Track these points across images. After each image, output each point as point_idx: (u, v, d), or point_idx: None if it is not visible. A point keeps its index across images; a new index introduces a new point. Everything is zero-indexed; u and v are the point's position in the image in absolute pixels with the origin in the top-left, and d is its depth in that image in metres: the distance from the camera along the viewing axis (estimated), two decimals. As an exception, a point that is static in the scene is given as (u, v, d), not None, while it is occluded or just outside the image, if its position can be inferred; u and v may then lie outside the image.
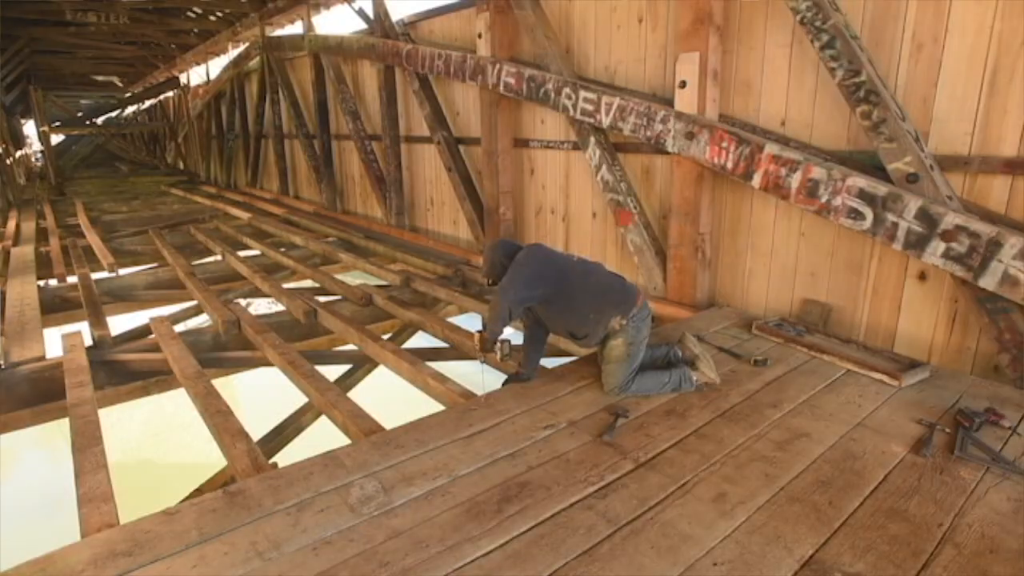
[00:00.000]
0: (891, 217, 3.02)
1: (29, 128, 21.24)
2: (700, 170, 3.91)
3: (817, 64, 3.40)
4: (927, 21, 3.02)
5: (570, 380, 3.01)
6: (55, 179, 14.76)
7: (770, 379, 3.00)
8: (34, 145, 20.76)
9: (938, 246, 2.89)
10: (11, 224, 8.74)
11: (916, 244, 2.97)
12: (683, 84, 3.88)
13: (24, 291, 5.07)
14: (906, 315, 3.31)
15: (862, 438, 2.44)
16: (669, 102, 4.05)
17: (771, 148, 3.47)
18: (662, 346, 3.05)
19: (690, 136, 3.83)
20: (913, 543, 1.84)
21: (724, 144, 3.67)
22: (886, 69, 3.16)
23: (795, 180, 3.37)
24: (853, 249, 3.47)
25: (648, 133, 4.08)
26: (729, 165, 3.67)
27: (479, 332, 2.94)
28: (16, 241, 7.62)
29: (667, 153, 4.09)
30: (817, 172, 3.27)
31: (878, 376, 2.95)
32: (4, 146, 13.02)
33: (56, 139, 18.05)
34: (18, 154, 16.64)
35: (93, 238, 7.54)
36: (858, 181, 3.12)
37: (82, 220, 9.04)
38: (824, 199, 3.26)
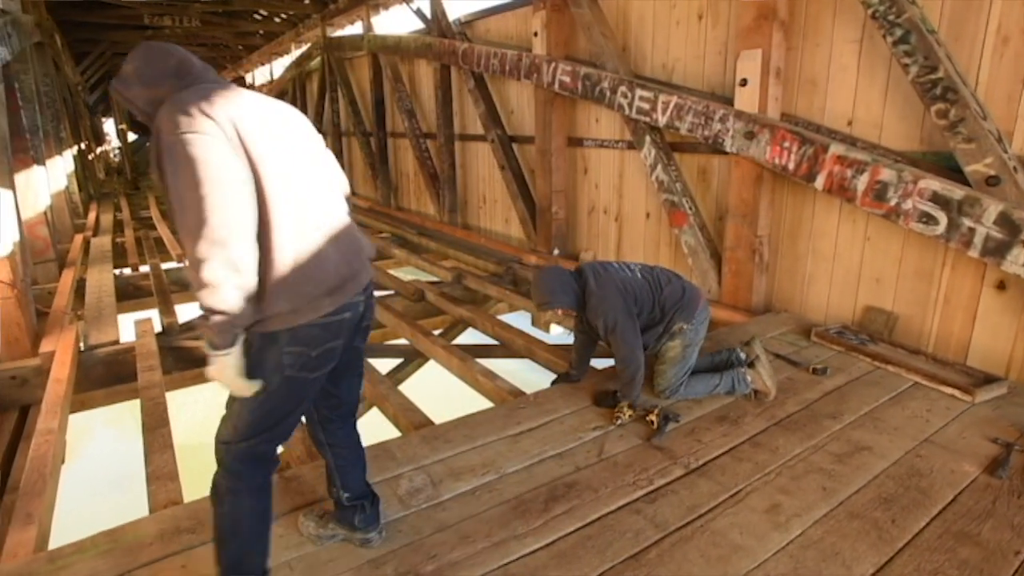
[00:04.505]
0: (967, 222, 2.85)
1: (108, 126, 22.54)
2: (759, 171, 3.79)
3: (889, 60, 3.25)
4: (1014, 13, 2.83)
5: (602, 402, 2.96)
6: (131, 174, 15.63)
7: (830, 388, 2.88)
8: (113, 142, 22.01)
9: (1020, 254, 2.71)
10: (91, 216, 9.30)
11: (995, 251, 2.79)
12: (744, 82, 3.77)
13: (102, 279, 5.40)
14: (982, 326, 3.11)
15: (930, 455, 2.32)
16: (728, 101, 3.95)
17: (836, 148, 3.33)
18: (722, 351, 2.97)
19: (750, 136, 3.72)
20: (986, 570, 1.74)
21: (786, 144, 3.55)
22: (966, 65, 2.98)
23: (862, 182, 3.23)
24: (923, 255, 3.29)
25: (706, 132, 3.98)
26: (791, 166, 3.54)
27: (623, 405, 2.61)
28: (96, 232, 8.11)
29: (725, 153, 3.98)
30: (886, 174, 3.12)
31: (949, 390, 2.79)
32: (87, 143, 13.87)
33: (132, 136, 19.08)
34: (99, 150, 17.71)
35: (164, 230, 7.94)
36: (931, 184, 2.96)
37: (154, 213, 9.54)
38: (893, 202, 3.11)
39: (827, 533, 1.90)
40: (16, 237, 3.98)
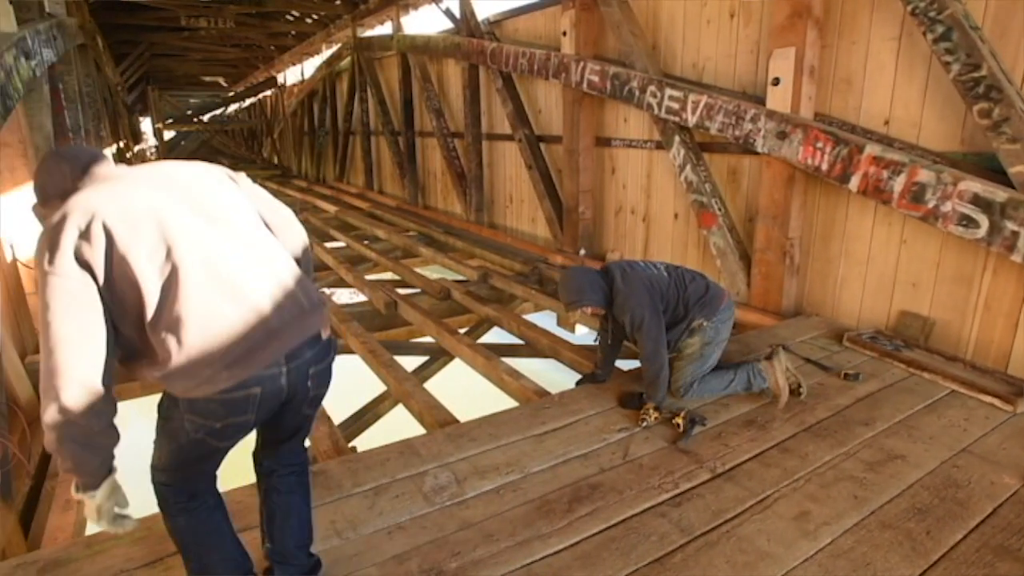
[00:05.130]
0: (1011, 225, 2.76)
1: (146, 125, 23.19)
2: (791, 171, 3.72)
3: (929, 58, 3.16)
4: (1063, 10, 2.73)
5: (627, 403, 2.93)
6: (166, 172, 15.98)
7: (862, 395, 2.82)
8: (149, 140, 22.62)
9: (1066, 259, 2.61)
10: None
11: (1039, 256, 2.70)
12: (776, 81, 3.71)
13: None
14: (1024, 333, 3.01)
15: (967, 465, 2.25)
16: (760, 100, 3.88)
17: (872, 149, 3.25)
18: (746, 361, 2.91)
19: (782, 136, 3.66)
20: (1025, 584, 1.68)
21: (819, 144, 3.48)
22: (1012, 62, 2.88)
23: (898, 183, 3.14)
24: (963, 259, 3.19)
25: (736, 132, 3.92)
26: (824, 167, 3.47)
27: (649, 407, 2.58)
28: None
29: (756, 153, 3.92)
30: (924, 175, 3.03)
31: (988, 399, 2.71)
32: (125, 141, 14.27)
33: (168, 135, 19.60)
34: (136, 148, 18.20)
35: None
36: (972, 186, 2.87)
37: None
38: (931, 204, 3.02)
39: (858, 543, 1.86)
40: (58, 232, 4.11)
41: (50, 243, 1.25)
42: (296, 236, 1.66)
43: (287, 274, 1.48)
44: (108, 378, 1.29)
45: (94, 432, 1.28)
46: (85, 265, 1.24)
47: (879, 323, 3.61)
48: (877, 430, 2.51)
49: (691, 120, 4.24)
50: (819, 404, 2.73)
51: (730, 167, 4.37)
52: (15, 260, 3.64)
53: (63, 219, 1.26)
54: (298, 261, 1.60)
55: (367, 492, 2.11)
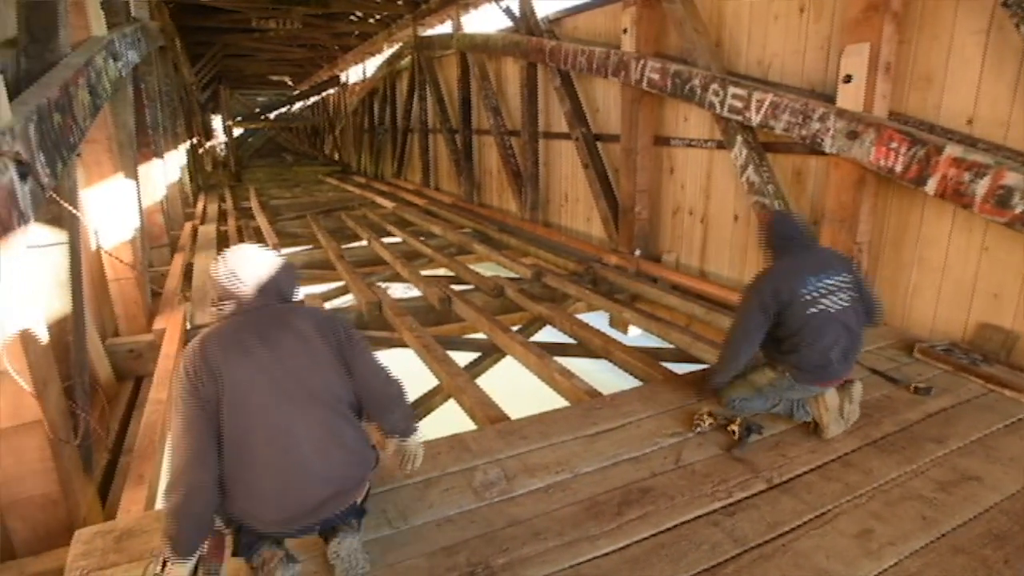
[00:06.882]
0: (1109, 234, 2.55)
1: (216, 122, 24.29)
2: (862, 173, 3.56)
3: (1021, 52, 2.95)
4: None
5: (701, 388, 2.88)
6: (234, 167, 16.73)
7: (933, 410, 2.67)
8: (219, 137, 23.68)
9: None
10: (199, 206, 10.06)
11: None
12: (848, 79, 3.55)
13: (207, 264, 5.82)
14: (1121, 351, 2.78)
15: (1052, 490, 2.10)
16: (829, 99, 3.72)
17: (952, 150, 3.06)
18: None
19: (852, 136, 3.49)
20: (1115, 622, 1.56)
21: (893, 145, 3.31)
22: (1115, 58, 2.66)
23: (981, 187, 2.95)
24: (1053, 269, 2.97)
25: (803, 132, 3.78)
26: (898, 168, 3.30)
27: (703, 412, 2.54)
28: (203, 220, 8.75)
29: (823, 154, 3.76)
30: (1012, 178, 2.84)
31: (1077, 420, 2.52)
32: (198, 138, 15.00)
33: (236, 132, 20.39)
34: (207, 145, 19.09)
35: (262, 220, 8.46)
36: (1066, 190, 2.67)
37: (254, 204, 10.18)
38: (1019, 210, 2.82)
39: (926, 566, 1.76)
40: (137, 224, 4.37)
41: (182, 370, 1.56)
42: (386, 397, 1.86)
43: (344, 455, 1.67)
44: (210, 475, 1.54)
45: (193, 511, 1.52)
46: (200, 397, 1.53)
47: (954, 335, 3.41)
48: (950, 448, 2.37)
49: (755, 119, 4.11)
50: (886, 418, 2.60)
51: (795, 168, 4.21)
52: (99, 248, 3.88)
53: (197, 356, 1.55)
54: (390, 410, 1.88)
55: (418, 484, 2.16)
